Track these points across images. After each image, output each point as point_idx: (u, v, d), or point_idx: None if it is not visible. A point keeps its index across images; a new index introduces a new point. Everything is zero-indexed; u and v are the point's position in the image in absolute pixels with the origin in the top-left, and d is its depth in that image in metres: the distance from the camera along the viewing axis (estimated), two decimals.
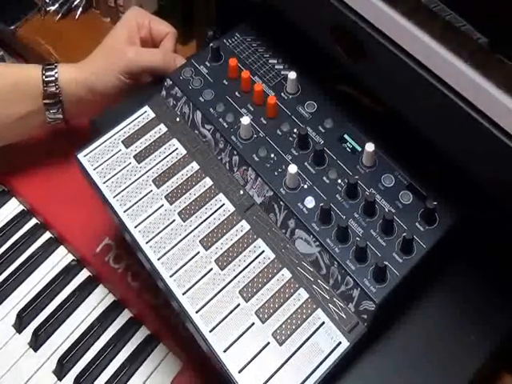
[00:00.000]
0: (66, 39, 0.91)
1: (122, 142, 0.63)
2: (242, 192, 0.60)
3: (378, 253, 0.54)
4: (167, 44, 0.72)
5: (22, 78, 0.71)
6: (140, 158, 0.62)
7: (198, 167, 0.61)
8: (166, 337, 0.68)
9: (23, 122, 0.72)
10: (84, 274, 0.74)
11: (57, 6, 0.94)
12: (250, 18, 0.70)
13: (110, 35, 0.71)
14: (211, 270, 0.55)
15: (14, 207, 0.79)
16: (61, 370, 0.67)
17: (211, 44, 0.66)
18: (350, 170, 0.58)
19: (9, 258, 0.74)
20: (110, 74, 0.69)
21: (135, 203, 0.59)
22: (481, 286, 0.57)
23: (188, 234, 0.57)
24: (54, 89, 0.69)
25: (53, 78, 0.69)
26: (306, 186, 0.58)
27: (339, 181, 0.58)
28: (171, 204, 0.59)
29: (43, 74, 0.70)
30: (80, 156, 0.63)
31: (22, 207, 0.79)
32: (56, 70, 0.70)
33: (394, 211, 0.56)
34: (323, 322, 0.53)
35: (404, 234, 0.53)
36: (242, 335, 0.52)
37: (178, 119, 0.64)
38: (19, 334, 0.70)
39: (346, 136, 0.61)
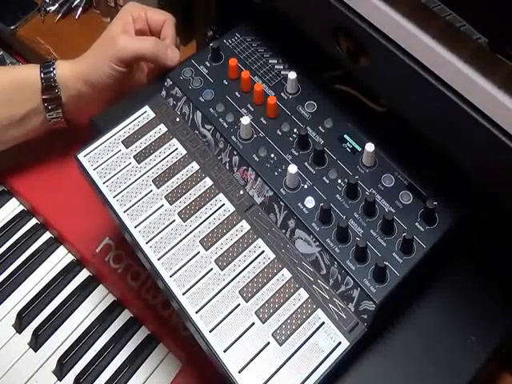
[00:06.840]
0: (66, 39, 0.91)
1: (122, 142, 0.63)
2: (241, 192, 0.60)
3: (378, 253, 0.54)
4: (166, 31, 0.72)
5: (21, 78, 0.72)
6: (140, 158, 0.62)
7: (198, 167, 0.61)
8: (166, 337, 0.68)
9: (24, 123, 0.72)
10: (84, 273, 0.74)
11: (57, 6, 0.94)
12: (249, 17, 0.70)
13: (105, 30, 0.71)
14: (211, 270, 0.55)
15: (13, 207, 0.79)
16: (61, 370, 0.67)
17: (211, 44, 0.66)
18: (349, 170, 0.58)
19: (9, 257, 0.74)
20: (103, 63, 0.69)
21: (135, 203, 0.59)
22: (481, 286, 0.57)
23: (188, 234, 0.57)
24: (52, 84, 0.70)
25: (51, 74, 0.70)
26: (306, 186, 0.58)
27: (339, 181, 0.58)
28: (171, 204, 0.59)
29: (41, 72, 0.70)
30: (80, 156, 0.63)
31: (21, 207, 0.79)
32: (54, 66, 0.70)
33: (394, 211, 0.56)
34: (323, 322, 0.53)
35: (404, 234, 0.53)
36: (241, 335, 0.52)
37: (177, 119, 0.64)
38: (19, 334, 0.70)
39: (346, 136, 0.61)
